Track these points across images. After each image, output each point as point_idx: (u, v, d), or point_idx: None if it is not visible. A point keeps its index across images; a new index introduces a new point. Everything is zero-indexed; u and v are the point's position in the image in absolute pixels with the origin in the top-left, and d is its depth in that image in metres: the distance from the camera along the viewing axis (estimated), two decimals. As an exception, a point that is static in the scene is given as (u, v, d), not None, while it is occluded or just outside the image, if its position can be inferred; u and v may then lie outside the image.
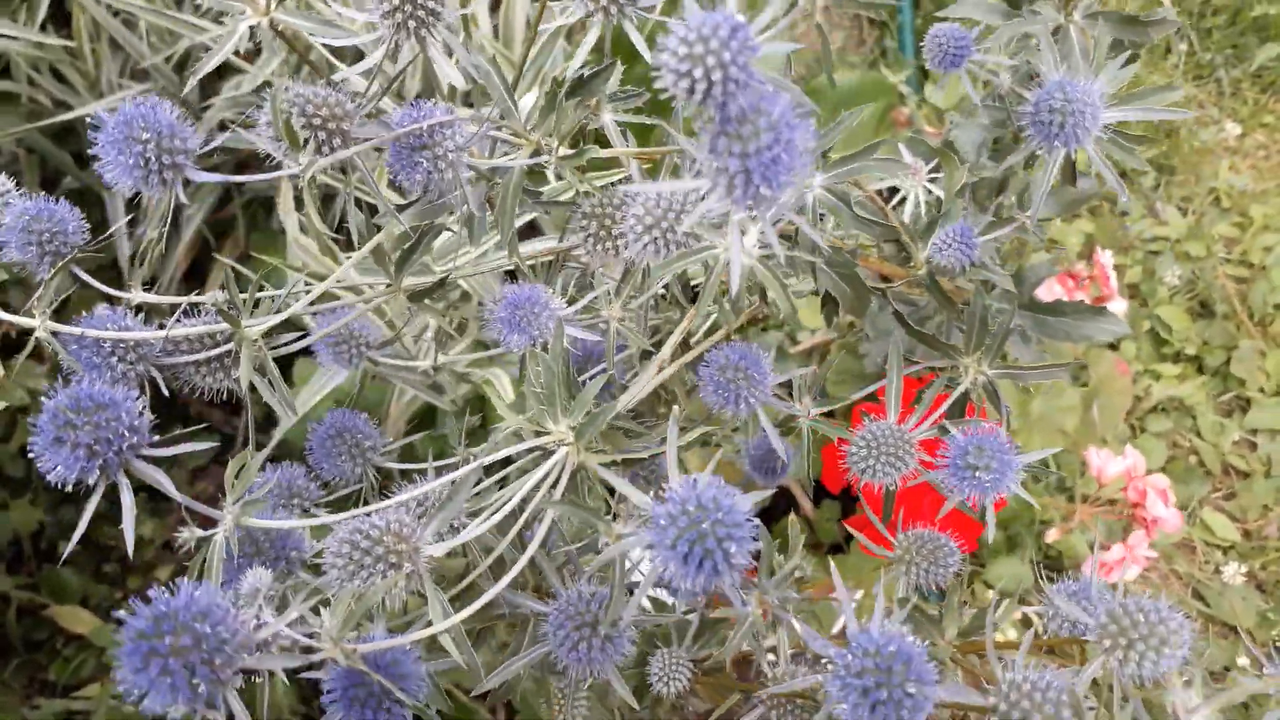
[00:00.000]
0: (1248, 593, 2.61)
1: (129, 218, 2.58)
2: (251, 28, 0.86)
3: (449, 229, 0.99)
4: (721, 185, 0.61)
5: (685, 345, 1.09)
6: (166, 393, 0.92)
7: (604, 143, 0.94)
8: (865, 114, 1.03)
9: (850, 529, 1.16)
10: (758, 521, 0.71)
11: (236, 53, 1.41)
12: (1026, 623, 2.50)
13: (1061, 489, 2.69)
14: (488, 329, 1.02)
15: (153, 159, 0.84)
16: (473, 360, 1.85)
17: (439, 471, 0.99)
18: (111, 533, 2.62)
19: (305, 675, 0.76)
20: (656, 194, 0.82)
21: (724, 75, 0.57)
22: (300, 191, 0.85)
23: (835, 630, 2.33)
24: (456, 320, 1.73)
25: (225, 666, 0.66)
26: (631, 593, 0.81)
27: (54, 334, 0.92)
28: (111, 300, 0.99)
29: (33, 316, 0.91)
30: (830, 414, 1.16)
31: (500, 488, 0.88)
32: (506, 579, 0.77)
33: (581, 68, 0.88)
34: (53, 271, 0.92)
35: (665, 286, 0.96)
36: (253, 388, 0.91)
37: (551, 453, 0.81)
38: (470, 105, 1.00)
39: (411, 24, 0.85)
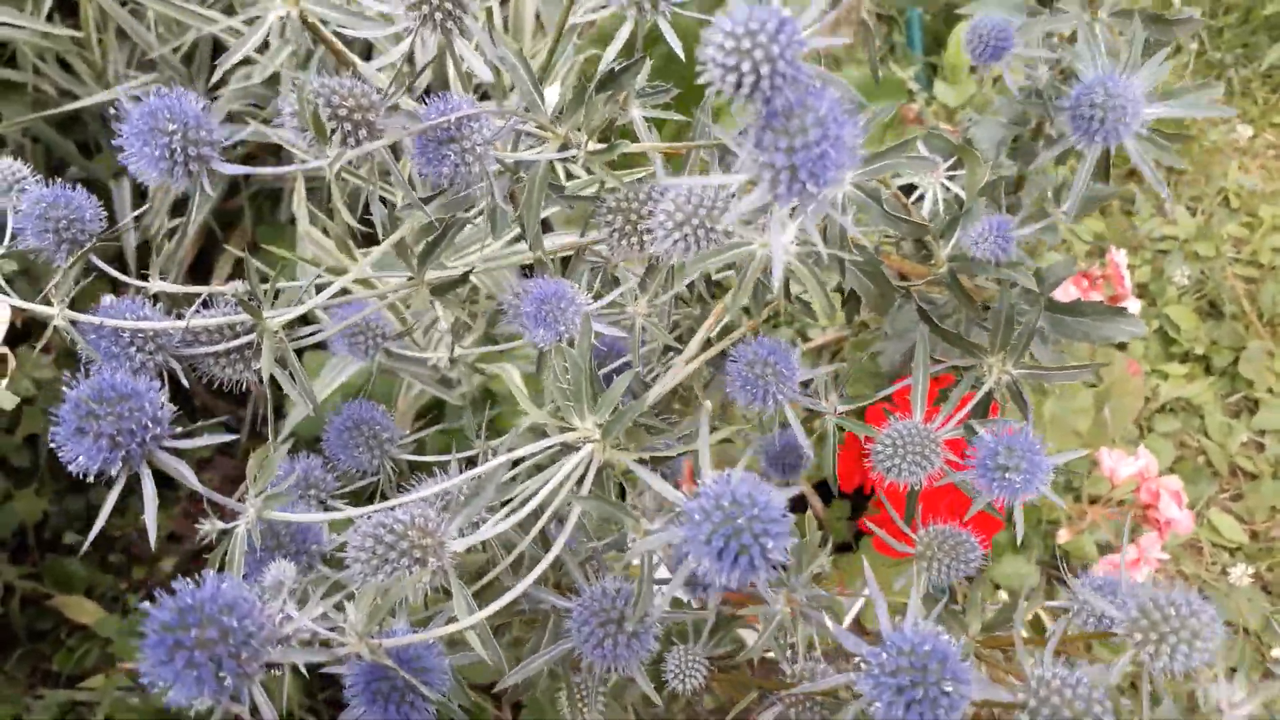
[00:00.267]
0: (1254, 594, 2.60)
1: (136, 211, 2.57)
2: (281, 18, 0.85)
3: (471, 222, 0.98)
4: (766, 181, 0.60)
5: (707, 343, 1.08)
6: (185, 384, 0.91)
7: (629, 137, 0.93)
8: (889, 113, 1.02)
9: (871, 526, 1.15)
10: (793, 517, 0.70)
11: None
12: (1037, 625, 2.49)
13: (1069, 489, 2.68)
14: (511, 323, 1.01)
15: (179, 150, 0.83)
16: (482, 354, 1.84)
17: (460, 466, 0.98)
18: (117, 523, 2.62)
19: (322, 670, 0.76)
20: (687, 189, 0.81)
21: (772, 70, 0.56)
22: (323, 186, 0.84)
23: (846, 625, 2.32)
24: (469, 313, 1.72)
25: (251, 660, 0.66)
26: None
27: (73, 323, 0.91)
28: (117, 288, 0.98)
29: (49, 305, 0.90)
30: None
31: (514, 481, 0.87)
32: (533, 575, 0.76)
33: (612, 63, 0.87)
34: (71, 260, 0.91)
35: (690, 284, 0.95)
36: (271, 379, 0.90)
37: (574, 448, 0.80)
38: (485, 98, 0.99)
39: (438, 16, 0.84)
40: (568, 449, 0.82)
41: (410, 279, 0.95)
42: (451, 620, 0.76)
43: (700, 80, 0.58)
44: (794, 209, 0.61)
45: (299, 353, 0.94)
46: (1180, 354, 2.98)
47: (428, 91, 0.96)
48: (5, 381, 1.08)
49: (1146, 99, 1.04)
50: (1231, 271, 3.08)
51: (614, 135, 0.90)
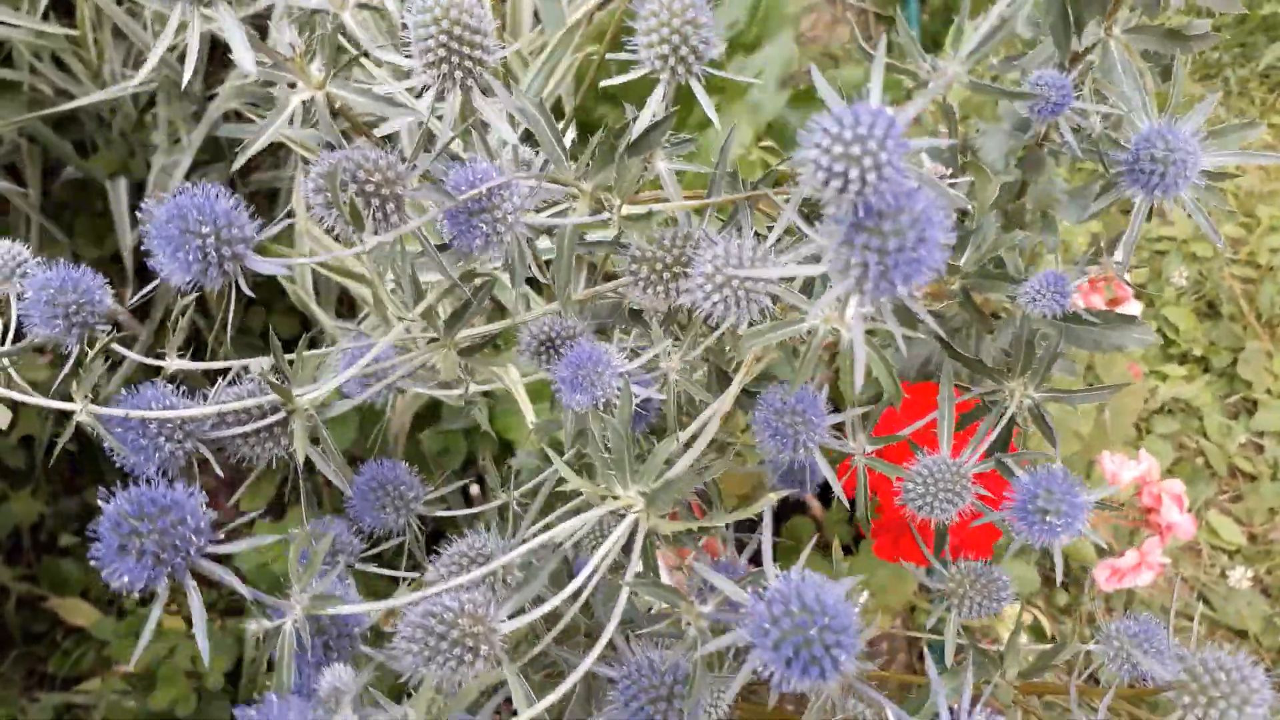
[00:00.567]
0: (1254, 597, 2.61)
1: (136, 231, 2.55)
2: (305, 102, 0.83)
3: (491, 275, 0.96)
4: (853, 277, 0.59)
5: (725, 375, 1.07)
6: (218, 470, 0.89)
7: (652, 188, 0.92)
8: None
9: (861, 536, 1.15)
10: (858, 618, 0.68)
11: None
12: (1038, 630, 2.50)
13: (1117, 506, 2.67)
14: (530, 361, 0.99)
15: (213, 254, 0.79)
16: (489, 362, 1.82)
17: (487, 521, 0.96)
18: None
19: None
20: (725, 249, 0.80)
21: (878, 176, 0.55)
22: (370, 277, 0.82)
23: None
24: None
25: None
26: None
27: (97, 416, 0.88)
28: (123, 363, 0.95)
29: (71, 399, 0.87)
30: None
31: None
32: (590, 659, 0.75)
33: (648, 122, 0.86)
34: (93, 354, 0.88)
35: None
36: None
37: (620, 515, 0.78)
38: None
39: (458, 75, 0.82)
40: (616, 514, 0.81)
41: (432, 340, 0.93)
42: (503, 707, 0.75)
43: (799, 180, 0.56)
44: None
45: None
46: (1178, 355, 2.99)
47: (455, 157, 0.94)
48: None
49: (1201, 146, 1.02)
50: (1229, 272, 3.08)
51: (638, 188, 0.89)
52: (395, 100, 0.83)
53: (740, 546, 1.17)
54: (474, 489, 2.36)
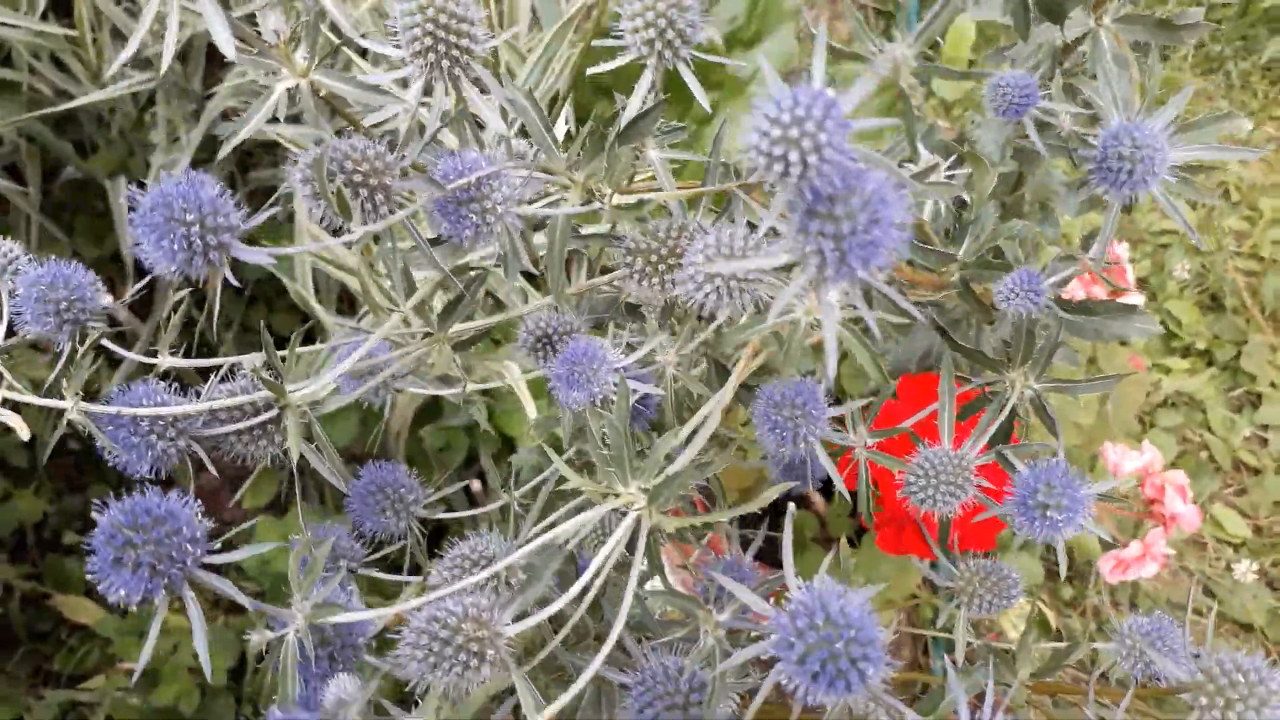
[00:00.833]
0: (1259, 590, 2.61)
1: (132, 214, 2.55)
2: (290, 90, 0.82)
3: (484, 268, 0.95)
4: (813, 265, 0.58)
5: (723, 369, 1.07)
6: (211, 468, 0.88)
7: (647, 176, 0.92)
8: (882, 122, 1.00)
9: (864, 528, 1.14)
10: (883, 630, 0.68)
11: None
12: (1044, 624, 2.49)
13: (1121, 498, 2.67)
14: (527, 357, 0.99)
15: (197, 242, 0.78)
16: (481, 353, 1.82)
17: (490, 522, 0.96)
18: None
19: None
20: (716, 239, 0.79)
21: (820, 158, 0.54)
22: (360, 255, 0.82)
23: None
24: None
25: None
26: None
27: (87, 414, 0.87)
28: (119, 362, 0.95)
29: (62, 397, 0.87)
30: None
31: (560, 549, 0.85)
32: (597, 661, 0.73)
33: (636, 110, 0.85)
34: (83, 350, 0.87)
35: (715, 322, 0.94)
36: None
37: (621, 513, 0.77)
38: (482, 127, 0.96)
39: (445, 64, 0.82)
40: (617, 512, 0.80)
41: (426, 334, 0.92)
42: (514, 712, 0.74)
43: (745, 171, 0.56)
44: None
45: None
46: (1182, 348, 2.98)
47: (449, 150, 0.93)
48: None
49: (1171, 138, 1.02)
50: (1233, 265, 3.07)
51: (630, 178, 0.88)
52: (380, 88, 0.82)
53: (745, 543, 1.16)
54: (475, 485, 2.36)
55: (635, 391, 0.91)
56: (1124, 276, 2.64)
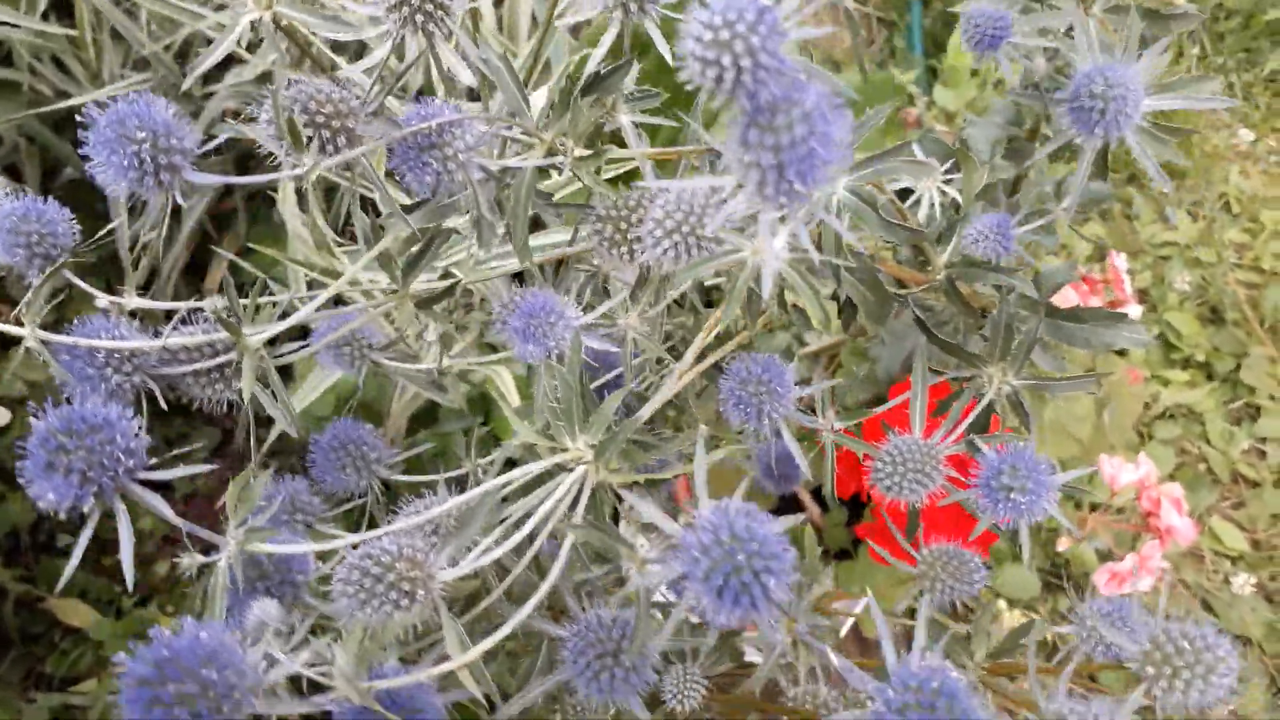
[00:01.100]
0: (1257, 603, 2.58)
1: (129, 210, 2.56)
2: (253, 22, 0.83)
3: (456, 231, 0.95)
4: (753, 181, 0.57)
5: (701, 353, 1.06)
6: (165, 406, 0.88)
7: (620, 144, 0.91)
8: (884, 114, 0.99)
9: (872, 544, 1.13)
10: (795, 551, 0.67)
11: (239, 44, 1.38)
12: (1049, 648, 2.47)
13: (1068, 496, 2.65)
14: (501, 333, 0.98)
15: (148, 160, 0.79)
16: (476, 361, 1.82)
17: (449, 485, 0.95)
18: (111, 525, 2.60)
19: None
20: (677, 195, 0.78)
21: (754, 62, 0.54)
22: (303, 191, 0.82)
23: (844, 634, 2.30)
24: (457, 322, 1.70)
25: (234, 713, 0.63)
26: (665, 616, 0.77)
27: (44, 343, 0.88)
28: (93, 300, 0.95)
29: (21, 324, 0.87)
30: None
31: (505, 500, 0.85)
32: (527, 608, 0.73)
33: (599, 65, 0.85)
34: (43, 277, 0.88)
35: (681, 294, 0.93)
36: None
37: (567, 469, 0.77)
38: (476, 99, 0.97)
39: (419, 18, 0.82)
40: (561, 468, 0.80)
41: (394, 291, 0.92)
42: (444, 655, 0.73)
43: (680, 77, 0.55)
44: (784, 215, 0.59)
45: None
46: (1181, 360, 2.96)
47: (420, 94, 0.93)
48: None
49: (1146, 91, 1.01)
50: (1233, 277, 3.06)
51: (602, 142, 0.87)
52: (339, 19, 0.82)
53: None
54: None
55: (592, 350, 0.91)
56: (1122, 287, 2.63)
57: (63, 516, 0.75)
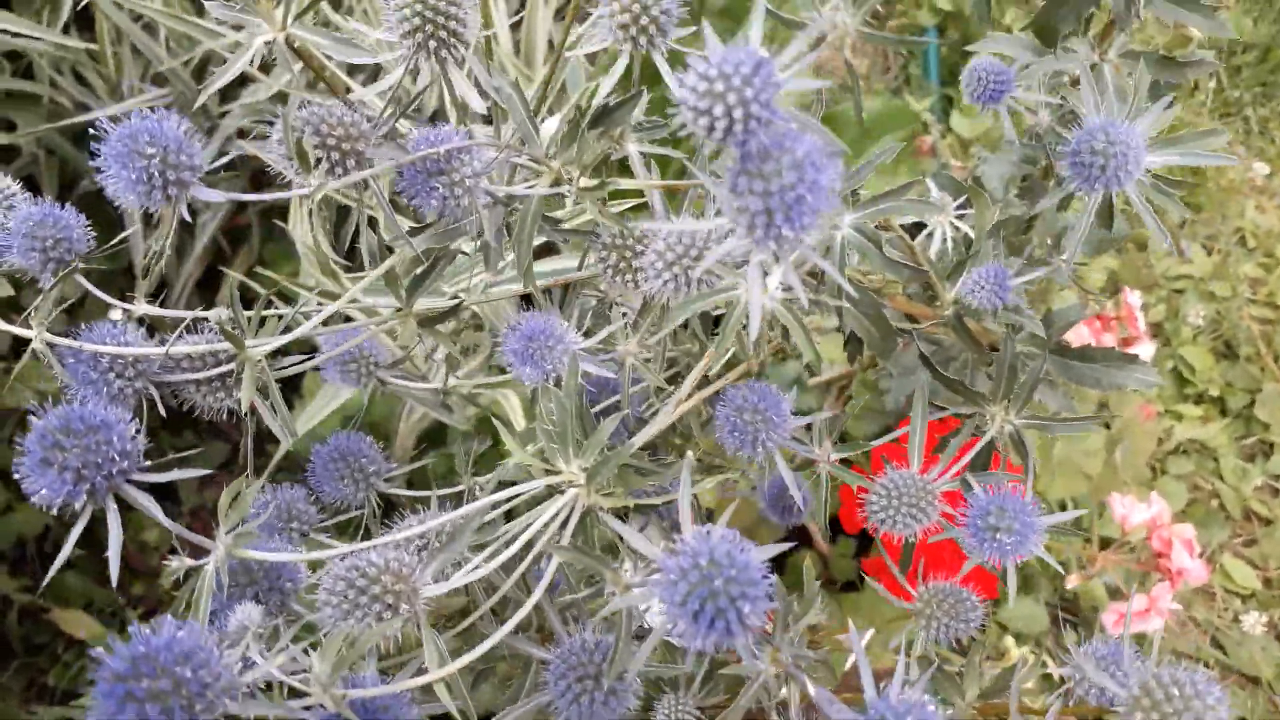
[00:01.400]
0: (1268, 643, 2.56)
1: (144, 222, 2.58)
2: (268, 43, 0.84)
3: (463, 253, 0.96)
4: (743, 225, 0.58)
5: (705, 379, 1.06)
6: (164, 413, 0.89)
7: (628, 173, 0.92)
8: (893, 153, 1.00)
9: (871, 580, 1.13)
10: (774, 579, 0.67)
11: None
12: (1046, 677, 2.45)
13: (1079, 531, 2.63)
14: (500, 356, 0.99)
15: (157, 175, 0.81)
16: (482, 382, 1.82)
17: (444, 502, 0.96)
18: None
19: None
20: (678, 231, 0.79)
21: (745, 113, 0.55)
22: (311, 213, 0.82)
23: (847, 668, 2.29)
24: (465, 344, 1.71)
25: (206, 712, 0.63)
26: (641, 641, 0.77)
27: (50, 346, 0.89)
28: (106, 309, 0.97)
29: (29, 327, 0.89)
30: (846, 459, 1.13)
31: (507, 519, 0.85)
32: (508, 626, 0.74)
33: (607, 97, 0.85)
34: (54, 281, 0.89)
35: (685, 321, 0.93)
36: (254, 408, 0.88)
37: (560, 490, 0.77)
38: (489, 121, 0.97)
39: (432, 44, 0.83)
40: (555, 490, 0.80)
41: (398, 310, 0.93)
42: (423, 669, 0.73)
43: (674, 122, 0.56)
44: (776, 256, 0.60)
45: (298, 376, 0.93)
46: (1195, 395, 2.95)
47: (434, 117, 0.94)
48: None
49: (1150, 145, 1.01)
50: (1247, 312, 3.05)
51: (609, 172, 0.88)
52: (353, 43, 0.83)
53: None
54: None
55: (590, 374, 0.91)
56: (1136, 325, 2.61)
57: (61, 516, 0.76)
